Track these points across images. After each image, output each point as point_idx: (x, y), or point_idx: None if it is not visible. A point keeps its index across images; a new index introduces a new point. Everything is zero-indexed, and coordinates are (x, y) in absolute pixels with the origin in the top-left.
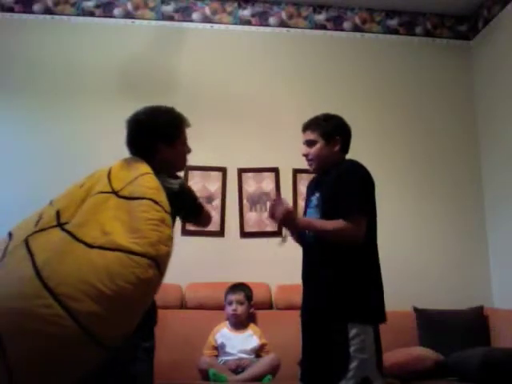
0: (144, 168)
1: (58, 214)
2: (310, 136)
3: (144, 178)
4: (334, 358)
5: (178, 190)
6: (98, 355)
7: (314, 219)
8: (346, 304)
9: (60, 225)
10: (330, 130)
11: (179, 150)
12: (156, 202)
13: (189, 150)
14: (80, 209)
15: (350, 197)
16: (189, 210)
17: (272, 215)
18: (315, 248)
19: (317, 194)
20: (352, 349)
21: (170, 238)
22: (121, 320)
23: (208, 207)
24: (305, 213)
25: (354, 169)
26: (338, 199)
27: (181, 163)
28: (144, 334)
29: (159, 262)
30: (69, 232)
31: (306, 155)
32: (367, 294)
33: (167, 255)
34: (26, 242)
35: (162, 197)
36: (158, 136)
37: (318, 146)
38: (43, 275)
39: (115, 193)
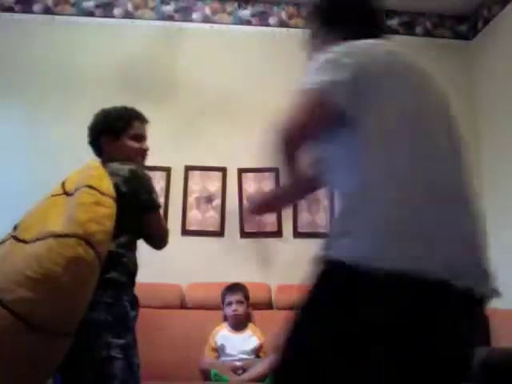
0: (93, 164)
1: (15, 226)
2: None
3: (88, 171)
4: None
5: (127, 174)
6: (47, 342)
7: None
8: None
9: (13, 236)
10: None
11: (125, 144)
12: (91, 187)
13: (144, 148)
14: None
15: None
16: (138, 198)
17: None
18: None
19: None
20: None
21: (106, 216)
22: (56, 302)
23: (208, 207)
24: None
25: None
26: None
27: (129, 156)
28: (118, 332)
29: (90, 240)
30: (14, 236)
31: None
32: None
33: (100, 232)
34: None
35: (100, 182)
36: (100, 130)
37: None
38: None
39: (66, 193)
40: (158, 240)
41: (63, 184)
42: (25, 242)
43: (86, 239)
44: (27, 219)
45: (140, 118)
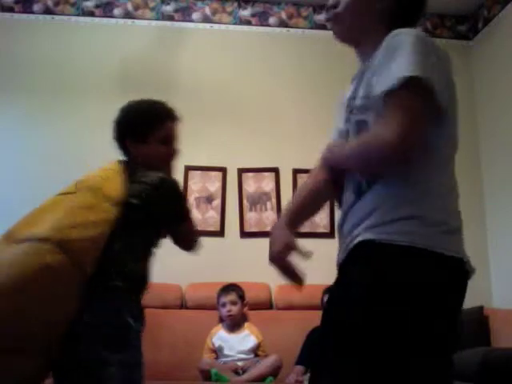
0: (111, 165)
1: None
2: None
3: (102, 171)
4: None
5: (157, 183)
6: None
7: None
8: None
9: (4, 235)
10: None
11: (153, 148)
12: (91, 189)
13: (173, 150)
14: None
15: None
16: (169, 209)
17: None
18: None
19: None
20: None
21: (97, 222)
22: (23, 309)
23: (207, 208)
24: None
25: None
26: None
27: (156, 162)
28: (114, 344)
29: (66, 247)
30: (4, 235)
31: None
32: None
33: (82, 239)
34: None
35: (103, 184)
36: (124, 132)
37: None
38: None
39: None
40: (189, 245)
41: (77, 183)
42: (13, 241)
43: (61, 246)
44: (27, 216)
45: (171, 117)
